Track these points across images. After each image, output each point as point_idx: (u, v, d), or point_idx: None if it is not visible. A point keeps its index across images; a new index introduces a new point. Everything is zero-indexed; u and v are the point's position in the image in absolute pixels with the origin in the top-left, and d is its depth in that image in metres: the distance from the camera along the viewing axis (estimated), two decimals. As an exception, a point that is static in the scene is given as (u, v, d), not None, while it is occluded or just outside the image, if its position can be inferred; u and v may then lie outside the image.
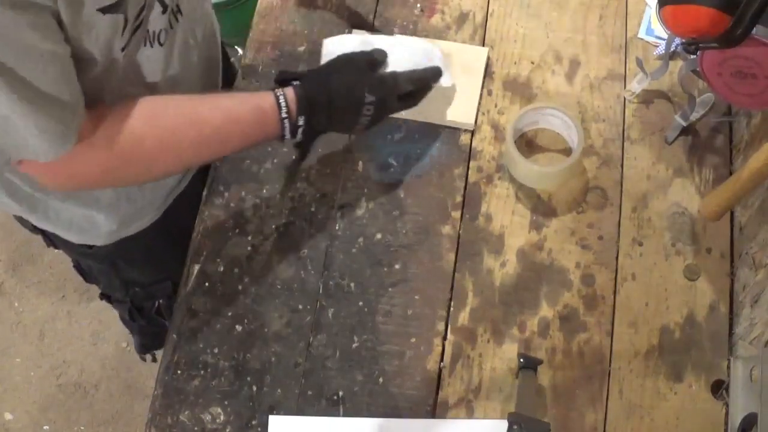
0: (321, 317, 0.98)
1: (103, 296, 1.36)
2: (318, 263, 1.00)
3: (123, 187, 1.01)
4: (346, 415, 0.93)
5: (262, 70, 1.13)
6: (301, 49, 1.15)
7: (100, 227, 1.05)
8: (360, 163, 1.06)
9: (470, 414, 0.92)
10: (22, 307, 2.00)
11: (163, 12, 0.86)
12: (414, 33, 1.15)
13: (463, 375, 0.94)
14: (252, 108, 0.89)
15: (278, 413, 0.93)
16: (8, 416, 1.88)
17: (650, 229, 1.01)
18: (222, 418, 0.93)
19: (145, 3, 0.81)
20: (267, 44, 1.15)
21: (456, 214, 1.03)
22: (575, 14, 1.16)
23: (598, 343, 0.95)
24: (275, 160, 1.07)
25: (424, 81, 0.99)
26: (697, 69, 0.94)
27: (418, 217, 1.03)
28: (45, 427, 1.86)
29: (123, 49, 0.81)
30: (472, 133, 1.08)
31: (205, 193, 1.06)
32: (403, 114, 1.03)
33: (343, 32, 1.14)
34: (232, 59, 1.32)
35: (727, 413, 0.90)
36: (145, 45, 0.87)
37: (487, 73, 1.11)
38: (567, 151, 1.05)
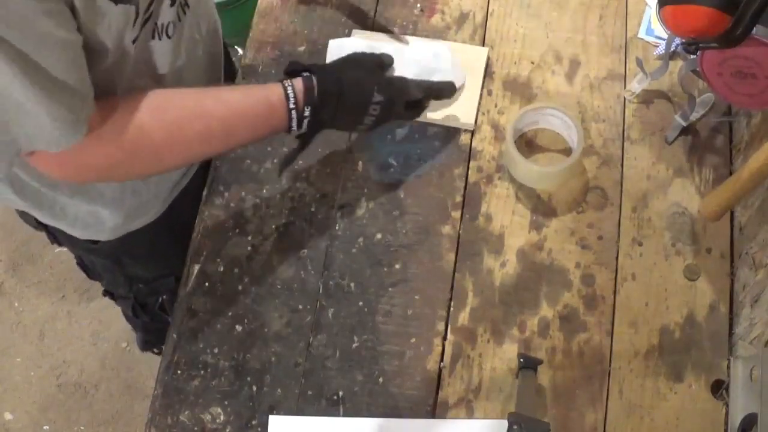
0: (321, 317, 0.98)
1: (107, 293, 1.36)
2: (318, 263, 1.00)
3: (128, 181, 1.01)
4: (346, 415, 0.93)
5: (262, 70, 1.13)
6: (301, 49, 1.15)
7: (105, 222, 1.05)
8: (360, 163, 1.06)
9: (470, 414, 0.92)
10: (22, 307, 2.00)
11: (172, 4, 0.87)
12: (414, 33, 1.15)
13: (463, 375, 0.94)
14: (259, 99, 0.89)
15: (278, 413, 0.93)
16: (8, 416, 1.88)
17: (650, 229, 1.01)
18: (222, 418, 0.93)
19: None
20: (267, 44, 1.16)
21: (456, 214, 1.03)
22: (575, 14, 1.16)
23: (598, 343, 0.95)
24: (275, 160, 1.07)
25: (435, 92, 0.99)
26: (697, 69, 0.94)
27: (418, 217, 1.03)
28: (45, 427, 1.86)
29: (134, 41, 0.82)
30: (472, 133, 1.08)
31: (205, 192, 1.06)
32: None
33: (344, 32, 1.15)
34: (233, 59, 1.32)
35: (727, 413, 0.90)
36: (154, 37, 0.87)
37: (487, 73, 1.11)
38: (567, 151, 1.05)
